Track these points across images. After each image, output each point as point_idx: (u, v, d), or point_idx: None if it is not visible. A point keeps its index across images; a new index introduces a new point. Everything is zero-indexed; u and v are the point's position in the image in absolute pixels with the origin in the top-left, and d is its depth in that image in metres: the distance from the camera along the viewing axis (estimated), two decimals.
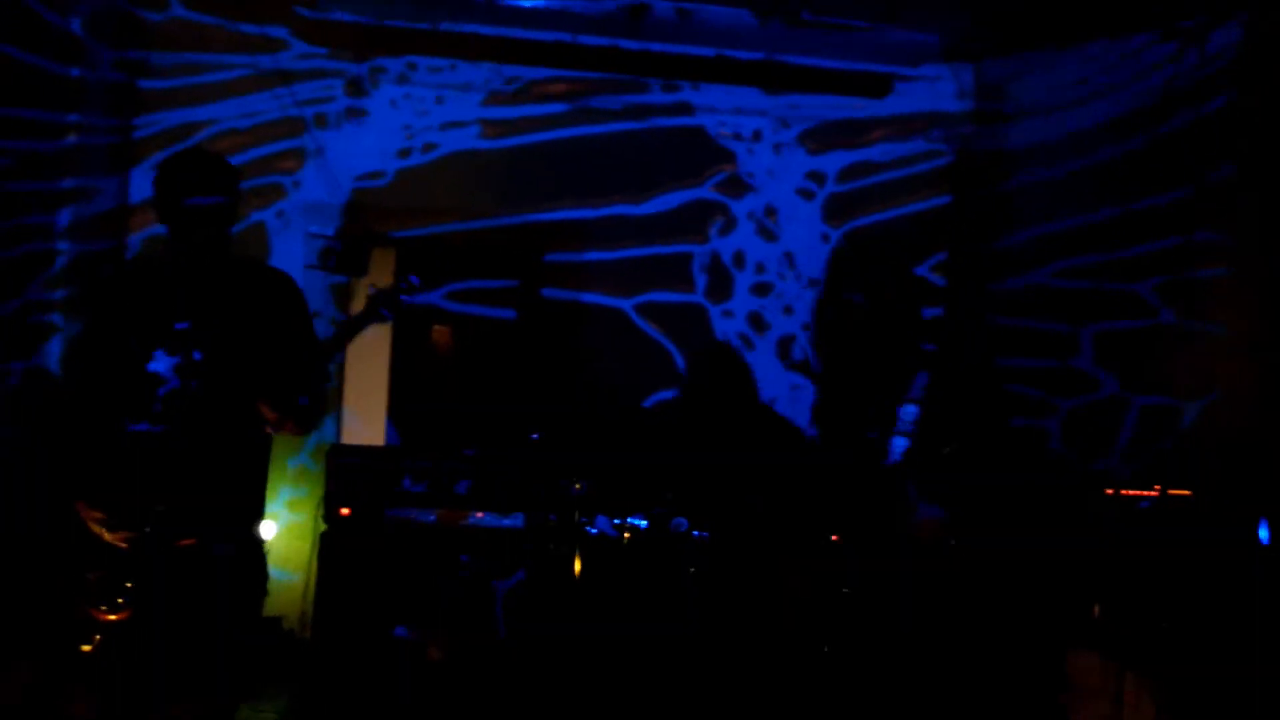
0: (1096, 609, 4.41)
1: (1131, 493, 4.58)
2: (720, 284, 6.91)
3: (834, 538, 5.34)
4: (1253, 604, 4.12)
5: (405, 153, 6.63)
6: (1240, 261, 5.15)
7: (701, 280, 6.89)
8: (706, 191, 6.93)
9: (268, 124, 6.44)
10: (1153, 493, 4.62)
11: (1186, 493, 4.63)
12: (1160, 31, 5.68)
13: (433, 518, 5.39)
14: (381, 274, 6.06)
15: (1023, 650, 4.67)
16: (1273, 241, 4.93)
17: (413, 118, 6.64)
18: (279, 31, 6.44)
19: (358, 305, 5.53)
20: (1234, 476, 4.72)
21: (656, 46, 6.72)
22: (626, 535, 5.30)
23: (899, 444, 3.59)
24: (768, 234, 6.96)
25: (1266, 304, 4.96)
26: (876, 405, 4.43)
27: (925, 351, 4.57)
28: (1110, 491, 4.62)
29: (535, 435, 5.56)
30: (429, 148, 6.65)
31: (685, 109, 6.91)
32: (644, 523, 5.33)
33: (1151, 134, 5.66)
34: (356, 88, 6.54)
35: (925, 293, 6.76)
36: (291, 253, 6.26)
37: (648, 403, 6.70)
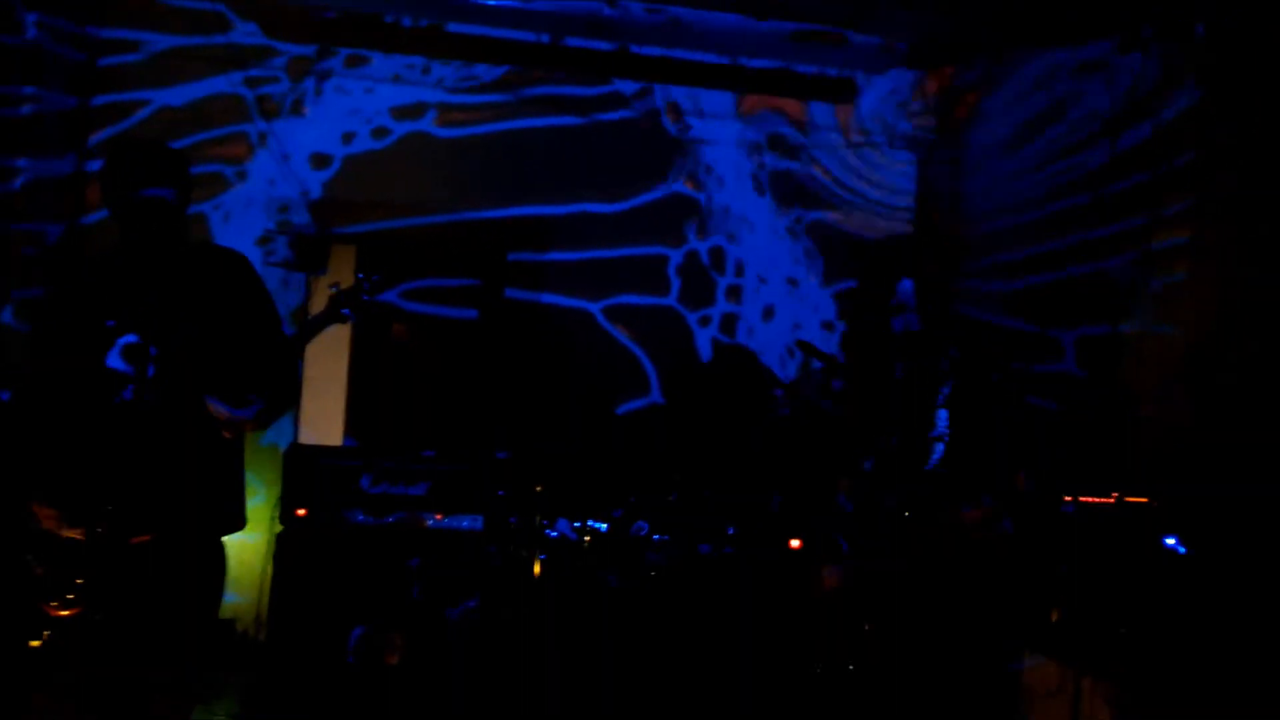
0: (1055, 614, 4.44)
1: (1090, 500, 4.61)
2: (697, 287, 6.88)
3: (795, 544, 5.35)
4: (1208, 610, 4.16)
5: (359, 144, 6.47)
6: (1198, 267, 5.21)
7: (677, 283, 6.86)
8: (679, 186, 6.89)
9: (216, 110, 6.28)
10: (1110, 499, 4.65)
11: (1143, 500, 4.66)
12: (1119, 40, 5.73)
13: (391, 519, 5.33)
14: (340, 270, 5.99)
15: (981, 655, 4.69)
16: (1229, 246, 5.01)
17: (368, 107, 6.48)
18: (232, 14, 6.31)
19: (318, 303, 5.48)
20: (1185, 479, 4.77)
21: (633, 47, 6.72)
22: (587, 538, 5.27)
23: (939, 450, 3.57)
24: (738, 237, 6.96)
25: (1220, 309, 5.03)
26: (905, 412, 4.43)
27: (953, 357, 4.63)
28: (1069, 498, 4.64)
29: (496, 437, 5.53)
30: (383, 135, 6.51)
31: (653, 110, 6.88)
32: (604, 526, 5.31)
33: (1112, 149, 5.72)
34: (311, 74, 6.36)
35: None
36: (237, 246, 6.11)
37: (620, 410, 6.66)
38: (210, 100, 6.28)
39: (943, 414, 3.31)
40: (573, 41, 6.67)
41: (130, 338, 2.95)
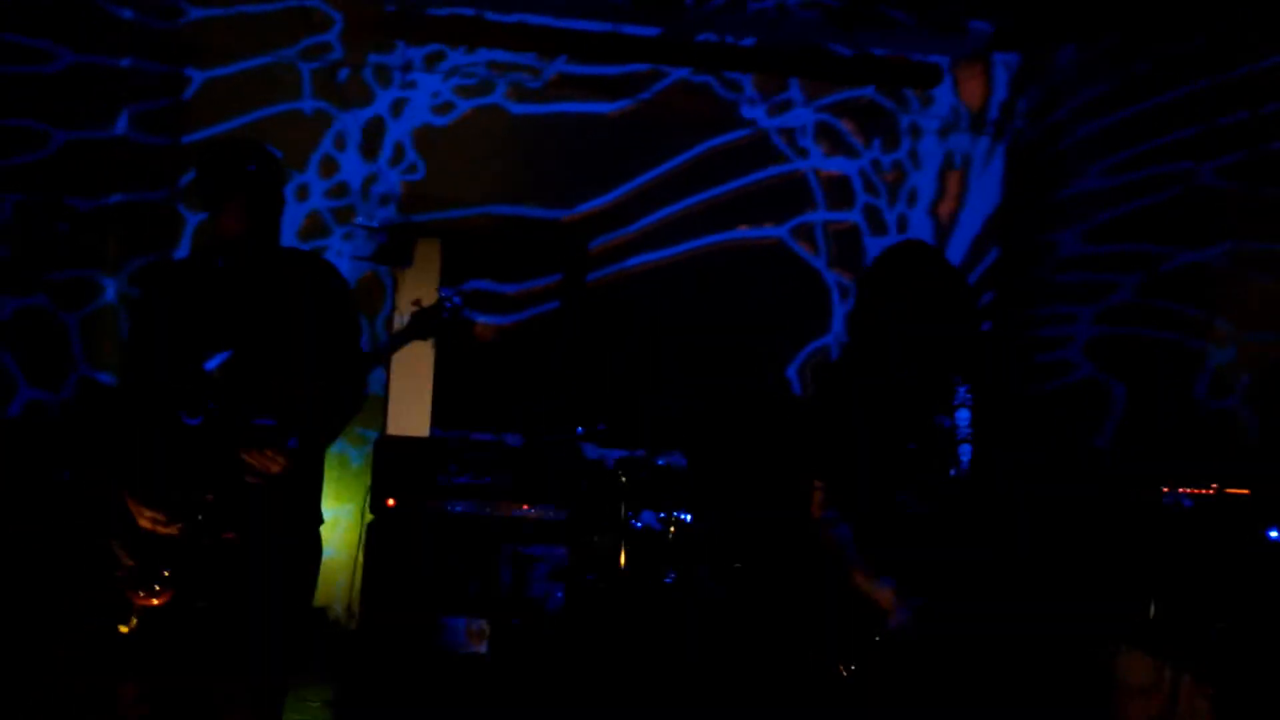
0: (1152, 609, 4.32)
1: (1188, 491, 4.48)
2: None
3: None
4: None
5: (427, 125, 6.33)
6: None
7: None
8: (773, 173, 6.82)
9: (271, 87, 6.09)
10: (1209, 491, 4.51)
11: (1245, 491, 4.51)
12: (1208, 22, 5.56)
13: (477, 509, 5.39)
14: (424, 264, 6.01)
15: (1074, 648, 4.58)
16: None
17: (436, 86, 6.34)
18: None
19: (402, 299, 5.55)
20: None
21: (704, 36, 6.64)
22: (671, 529, 5.26)
23: (966, 451, 3.45)
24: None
25: None
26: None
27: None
28: (1165, 489, 4.52)
29: (580, 428, 5.54)
30: (462, 127, 6.36)
31: (734, 101, 6.81)
32: (689, 516, 5.29)
33: (1210, 123, 5.55)
34: (375, 52, 6.17)
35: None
36: (291, 235, 6.05)
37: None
38: (264, 77, 6.09)
39: (964, 414, 3.17)
40: (637, 30, 6.52)
41: (214, 341, 2.99)
